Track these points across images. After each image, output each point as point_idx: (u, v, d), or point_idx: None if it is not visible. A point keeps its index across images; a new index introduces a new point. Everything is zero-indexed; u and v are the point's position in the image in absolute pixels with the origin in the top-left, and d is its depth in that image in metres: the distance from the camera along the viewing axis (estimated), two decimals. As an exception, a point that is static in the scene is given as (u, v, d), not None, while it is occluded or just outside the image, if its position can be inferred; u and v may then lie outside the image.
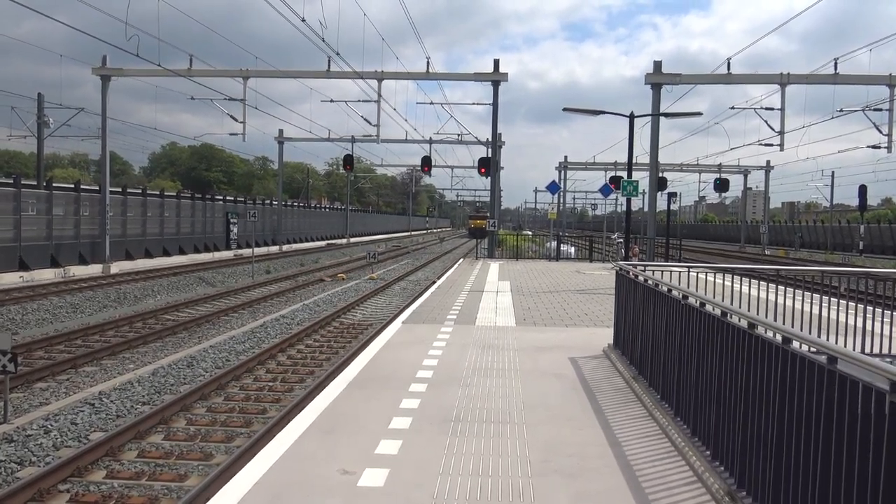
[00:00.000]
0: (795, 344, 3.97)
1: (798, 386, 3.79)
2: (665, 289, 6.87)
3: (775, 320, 8.69)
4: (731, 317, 4.99)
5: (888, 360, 7.43)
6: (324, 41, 17.86)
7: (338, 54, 19.75)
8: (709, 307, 5.49)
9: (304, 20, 15.48)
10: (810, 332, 8.40)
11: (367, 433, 5.98)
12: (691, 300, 6.00)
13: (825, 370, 3.50)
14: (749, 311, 7.98)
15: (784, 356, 3.99)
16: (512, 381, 7.94)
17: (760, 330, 4.45)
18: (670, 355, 6.55)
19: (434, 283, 20.03)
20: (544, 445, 5.76)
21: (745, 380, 4.57)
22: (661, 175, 48.65)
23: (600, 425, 6.37)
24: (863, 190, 50.73)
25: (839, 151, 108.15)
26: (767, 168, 63.48)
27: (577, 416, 6.66)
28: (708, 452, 5.28)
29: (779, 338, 4.10)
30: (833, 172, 64.18)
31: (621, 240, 23.67)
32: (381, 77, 30.50)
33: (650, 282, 7.59)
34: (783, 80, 29.39)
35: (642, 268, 8.96)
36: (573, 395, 7.44)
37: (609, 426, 6.35)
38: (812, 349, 3.77)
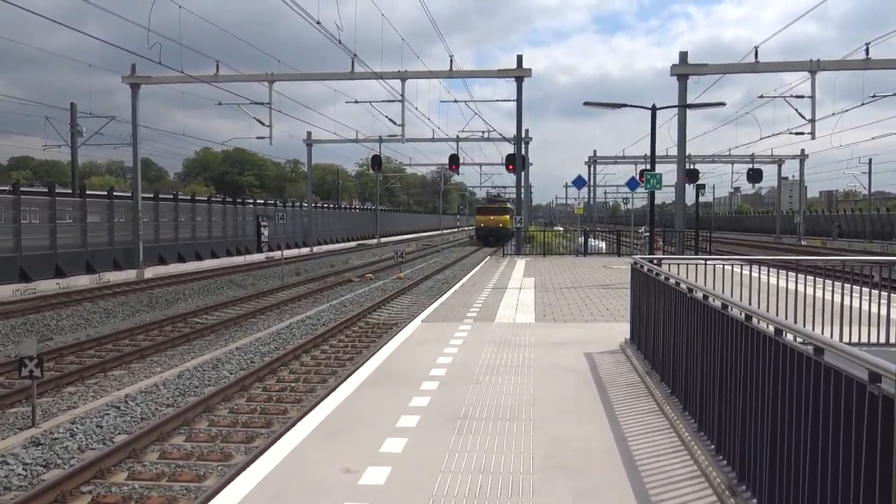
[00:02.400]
0: (789, 336, 3.92)
1: (790, 377, 3.74)
2: (673, 281, 6.81)
3: (795, 310, 8.58)
4: (731, 309, 4.94)
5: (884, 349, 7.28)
6: (340, 43, 18.01)
7: (355, 55, 19.83)
8: (711, 299, 5.44)
9: (318, 23, 15.66)
10: (831, 322, 8.28)
11: (374, 432, 6.03)
12: (697, 293, 5.94)
13: (812, 361, 3.45)
14: (770, 303, 7.88)
15: (776, 348, 3.94)
16: (524, 378, 7.93)
17: (756, 322, 4.39)
18: (679, 348, 6.49)
19: (459, 281, 20.06)
20: (549, 441, 5.75)
21: (743, 372, 4.52)
22: (692, 167, 48.09)
23: (608, 421, 6.33)
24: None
25: (872, 138, 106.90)
26: (802, 157, 62.31)
27: (586, 411, 6.63)
28: (712, 447, 5.23)
29: (771, 329, 4.05)
30: (870, 160, 62.84)
31: (648, 234, 23.49)
32: (404, 77, 30.61)
33: (661, 276, 7.52)
34: (813, 67, 28.80)
35: (655, 261, 8.89)
36: (584, 390, 7.41)
37: (617, 421, 6.32)
38: (801, 340, 3.72)
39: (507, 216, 56.86)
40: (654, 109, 18.04)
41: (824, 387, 3.29)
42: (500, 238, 51.41)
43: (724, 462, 4.91)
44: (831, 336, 8.44)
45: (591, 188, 69.07)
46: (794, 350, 3.68)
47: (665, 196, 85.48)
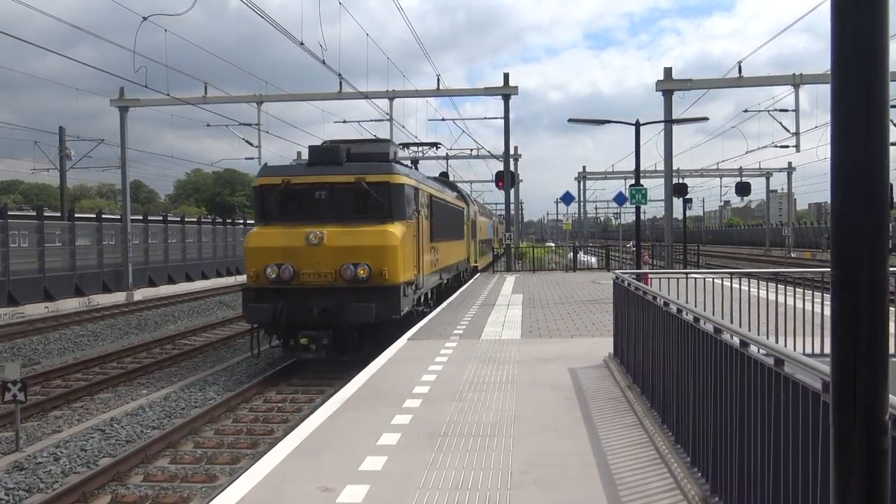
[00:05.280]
0: (753, 348, 3.98)
1: (754, 389, 3.80)
2: (650, 296, 6.87)
3: (776, 322, 8.66)
4: (702, 322, 5.00)
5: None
6: (324, 63, 18.11)
7: (341, 75, 19.98)
8: (684, 313, 5.50)
9: (302, 43, 15.73)
10: (812, 333, 8.36)
11: (354, 450, 6.05)
12: (671, 307, 6.00)
13: (773, 372, 3.51)
14: (750, 316, 7.94)
15: (742, 359, 4.00)
16: (506, 394, 7.96)
17: (725, 335, 4.45)
18: (657, 362, 6.55)
19: (447, 298, 20.09)
20: (527, 457, 5.78)
21: (714, 384, 4.58)
22: (681, 181, 48.43)
23: (588, 435, 6.37)
24: (889, 188, 49.92)
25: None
26: (789, 170, 62.86)
27: (566, 427, 6.66)
28: (688, 459, 5.28)
29: (737, 341, 4.11)
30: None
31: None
32: (391, 96, 30.78)
33: (640, 290, 7.59)
34: (796, 81, 29.12)
35: (637, 276, 8.97)
36: (566, 405, 7.44)
37: (597, 436, 6.35)
38: (764, 352, 3.78)
39: (391, 228, 13.51)
40: (637, 125, 18.20)
41: (784, 396, 3.35)
42: (344, 338, 13.16)
43: (699, 474, 4.95)
44: (812, 348, 8.55)
45: (581, 204, 69.40)
46: (758, 361, 3.74)
47: (657, 210, 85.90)
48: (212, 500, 5.17)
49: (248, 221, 51.99)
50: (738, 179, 56.00)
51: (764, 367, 3.62)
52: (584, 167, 66.84)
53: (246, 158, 33.67)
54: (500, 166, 36.28)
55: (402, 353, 10.78)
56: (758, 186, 64.06)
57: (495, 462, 5.68)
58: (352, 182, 13.40)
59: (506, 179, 32.92)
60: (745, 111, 32.27)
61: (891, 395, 2.16)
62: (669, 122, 24.65)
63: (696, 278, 10.17)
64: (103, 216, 33.88)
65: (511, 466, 5.57)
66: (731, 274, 10.22)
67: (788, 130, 29.87)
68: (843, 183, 2.01)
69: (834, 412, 2.23)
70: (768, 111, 31.04)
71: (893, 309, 9.36)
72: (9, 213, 27.01)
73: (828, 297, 8.11)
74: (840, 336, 2.19)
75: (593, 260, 37.76)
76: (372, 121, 33.84)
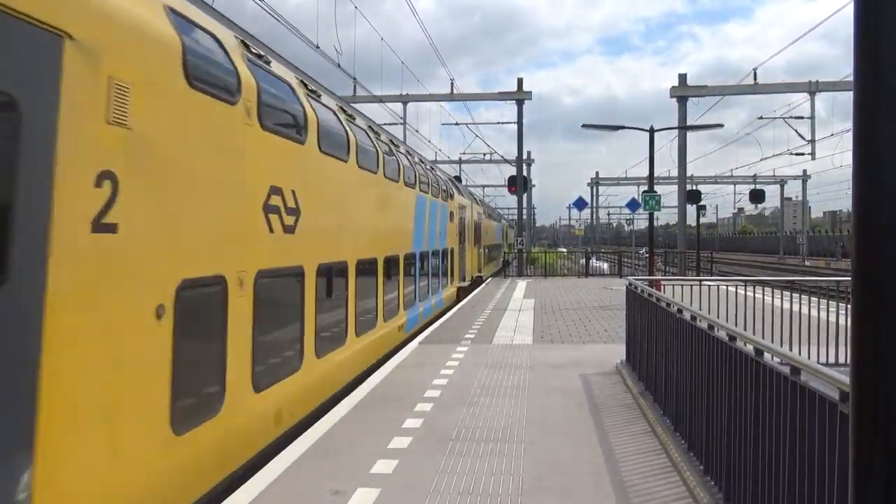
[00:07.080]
0: (768, 356, 3.95)
1: (769, 397, 3.77)
2: (664, 303, 6.84)
3: (791, 330, 8.61)
4: (717, 330, 4.97)
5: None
6: (339, 67, 18.17)
7: (356, 79, 20.05)
8: (698, 320, 5.47)
9: (318, 47, 15.79)
10: (826, 342, 8.30)
11: (365, 453, 6.05)
12: (685, 314, 5.97)
13: (789, 381, 3.48)
14: (764, 324, 7.89)
15: (757, 368, 3.97)
16: (518, 400, 7.94)
17: (740, 343, 4.42)
18: (669, 368, 6.51)
19: (458, 302, 20.09)
20: (539, 463, 5.76)
21: (728, 392, 4.55)
22: (694, 188, 48.23)
23: (600, 442, 6.34)
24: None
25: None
26: (804, 177, 62.51)
27: (578, 433, 6.64)
28: (701, 467, 5.24)
29: (752, 349, 4.08)
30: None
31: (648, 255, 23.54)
32: (405, 100, 30.91)
33: (653, 297, 7.56)
34: (812, 88, 29.01)
35: (650, 282, 8.93)
36: (578, 412, 7.41)
37: (609, 443, 6.32)
38: (780, 360, 3.75)
39: None
40: (651, 131, 18.15)
41: (800, 406, 3.33)
42: None
43: (712, 482, 4.91)
44: (826, 357, 8.49)
45: (594, 209, 69.30)
46: (773, 370, 3.72)
47: (670, 217, 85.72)
48: (223, 501, 5.18)
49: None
50: (753, 186, 55.78)
51: (780, 376, 3.60)
52: (597, 172, 66.87)
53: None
54: (512, 171, 36.28)
55: (413, 357, 10.78)
56: (772, 194, 63.90)
57: (507, 468, 5.66)
58: None
59: (518, 184, 32.92)
60: (760, 118, 32.16)
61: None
62: (683, 128, 24.56)
63: (709, 285, 10.12)
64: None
65: (522, 472, 5.55)
66: (744, 282, 10.16)
67: (804, 138, 29.77)
68: (864, 190, 1.98)
69: (853, 422, 2.20)
70: (783, 118, 30.92)
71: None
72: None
73: (843, 306, 8.08)
74: (860, 345, 2.16)
75: (605, 266, 37.63)
76: (386, 124, 33.92)
